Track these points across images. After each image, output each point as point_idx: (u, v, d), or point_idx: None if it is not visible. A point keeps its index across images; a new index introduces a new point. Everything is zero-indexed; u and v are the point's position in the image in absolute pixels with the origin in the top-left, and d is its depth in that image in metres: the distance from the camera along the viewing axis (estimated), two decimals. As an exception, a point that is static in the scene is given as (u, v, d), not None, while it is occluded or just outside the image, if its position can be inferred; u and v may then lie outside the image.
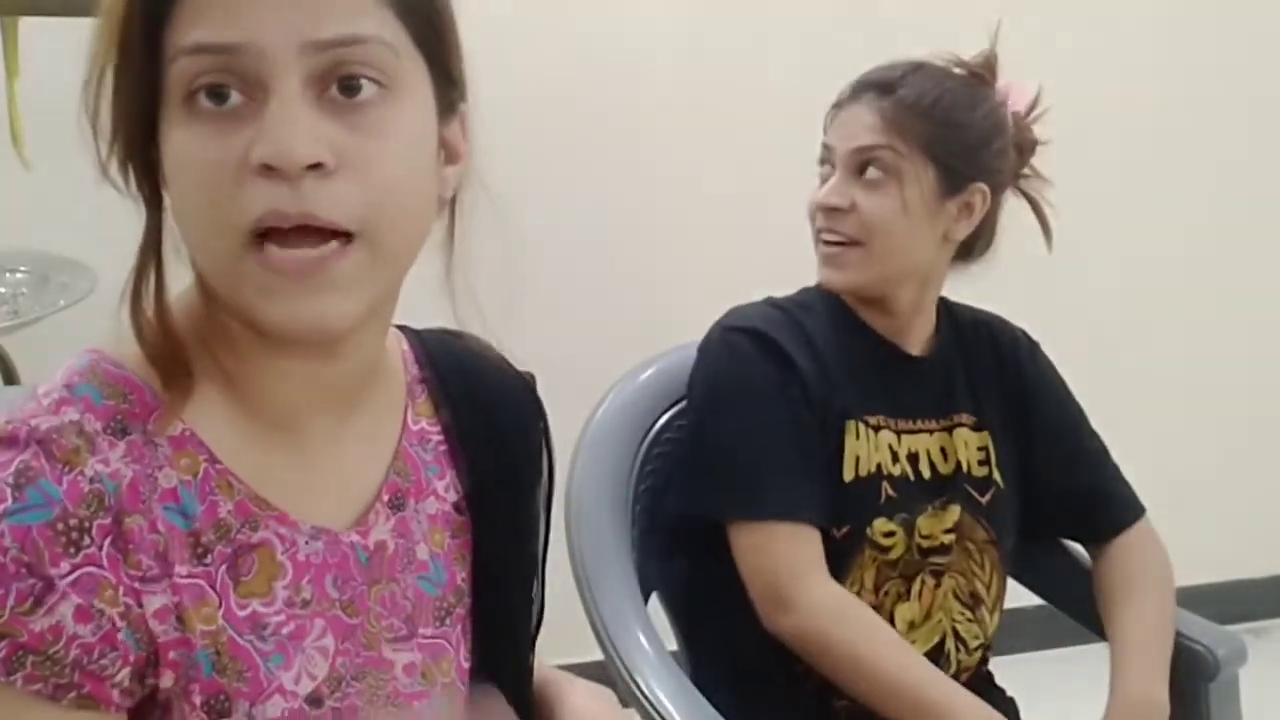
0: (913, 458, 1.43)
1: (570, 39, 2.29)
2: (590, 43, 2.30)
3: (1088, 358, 2.67)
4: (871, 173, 1.39)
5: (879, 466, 1.40)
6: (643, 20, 2.34)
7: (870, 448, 1.40)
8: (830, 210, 1.40)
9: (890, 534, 1.39)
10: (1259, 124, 2.68)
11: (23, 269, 1.94)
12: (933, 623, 1.42)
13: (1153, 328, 2.69)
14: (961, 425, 1.46)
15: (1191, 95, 2.62)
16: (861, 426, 1.40)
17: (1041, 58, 2.52)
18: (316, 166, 0.69)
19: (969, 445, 1.46)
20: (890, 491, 1.40)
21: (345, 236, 0.71)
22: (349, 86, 0.70)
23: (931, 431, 1.45)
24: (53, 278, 1.90)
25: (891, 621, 1.39)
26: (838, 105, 1.44)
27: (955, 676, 1.42)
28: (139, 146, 0.73)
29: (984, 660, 1.48)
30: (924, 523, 1.41)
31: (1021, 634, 1.82)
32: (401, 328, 0.92)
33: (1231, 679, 1.43)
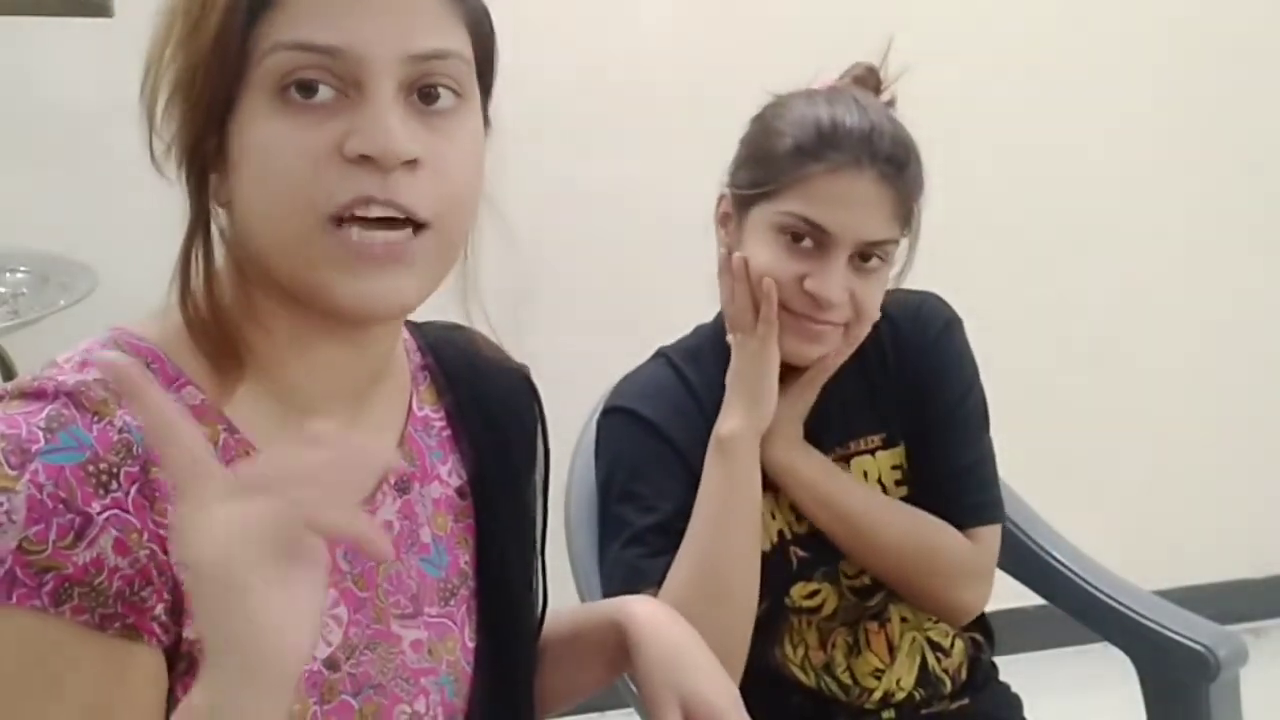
0: None
1: (572, 38, 2.29)
2: (593, 42, 2.30)
3: (1089, 358, 2.69)
4: (874, 263, 1.24)
5: (780, 534, 1.32)
6: (645, 18, 2.34)
7: (766, 519, 1.29)
8: (822, 298, 1.22)
9: (814, 593, 1.34)
10: (1260, 123, 2.68)
11: (23, 269, 1.94)
12: (903, 654, 1.37)
13: (1154, 328, 2.69)
14: (866, 451, 1.35)
15: (1192, 97, 2.62)
16: None
17: (1041, 58, 2.55)
18: (410, 162, 0.75)
19: (883, 467, 1.35)
20: (801, 553, 1.33)
21: (417, 226, 0.76)
22: (429, 94, 0.76)
23: (840, 460, 1.34)
24: (53, 278, 1.90)
25: (852, 676, 1.35)
26: (832, 168, 1.20)
27: (954, 681, 1.39)
28: (205, 132, 0.76)
29: (977, 647, 1.43)
30: (849, 565, 1.34)
31: (1022, 634, 1.81)
32: None
33: (1232, 679, 1.43)
